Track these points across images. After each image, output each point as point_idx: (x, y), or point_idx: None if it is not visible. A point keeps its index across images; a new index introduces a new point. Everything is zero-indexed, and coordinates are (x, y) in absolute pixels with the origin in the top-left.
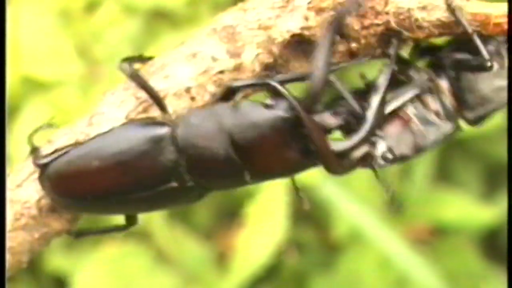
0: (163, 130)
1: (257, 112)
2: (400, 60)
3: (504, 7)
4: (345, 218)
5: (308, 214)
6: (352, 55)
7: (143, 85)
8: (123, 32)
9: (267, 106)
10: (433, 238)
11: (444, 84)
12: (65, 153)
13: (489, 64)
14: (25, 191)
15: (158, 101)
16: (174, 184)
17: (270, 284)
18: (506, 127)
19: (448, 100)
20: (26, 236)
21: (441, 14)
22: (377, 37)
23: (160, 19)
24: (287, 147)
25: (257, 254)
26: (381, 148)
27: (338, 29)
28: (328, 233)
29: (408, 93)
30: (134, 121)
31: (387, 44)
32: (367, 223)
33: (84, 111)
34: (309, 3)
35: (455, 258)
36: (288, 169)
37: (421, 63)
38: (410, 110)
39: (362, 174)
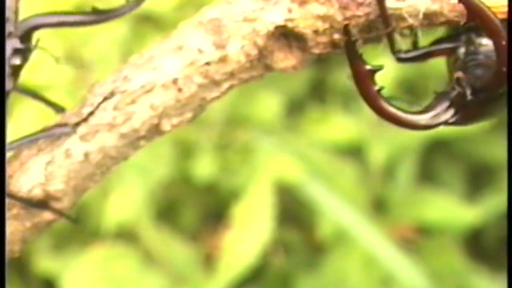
0: None
1: None
2: None
3: None
4: (330, 218)
5: (293, 214)
6: (334, 46)
7: None
8: (111, 36)
9: None
10: (418, 238)
11: None
12: None
13: None
14: (17, 181)
15: None
16: None
17: (257, 284)
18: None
19: None
20: (18, 226)
21: (422, 5)
22: (359, 28)
23: (147, 23)
24: None
25: (243, 254)
26: None
27: None
28: (314, 233)
29: None
30: None
31: (368, 34)
32: (352, 222)
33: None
34: None
35: (439, 257)
36: None
37: None
38: None
39: (347, 173)
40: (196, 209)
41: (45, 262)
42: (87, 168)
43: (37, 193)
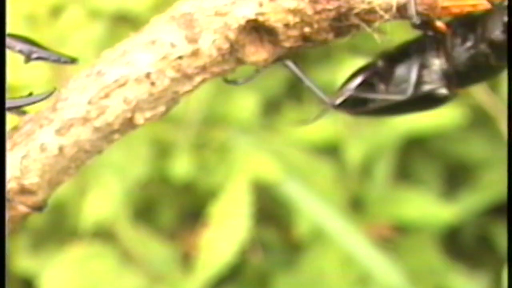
0: None
1: None
2: None
3: None
4: (307, 216)
5: (270, 213)
6: (305, 39)
7: None
8: (88, 36)
9: None
10: (395, 236)
11: None
12: None
13: None
14: None
15: None
16: None
17: (234, 283)
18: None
19: None
20: None
21: None
22: (329, 22)
23: (123, 23)
24: None
25: (221, 253)
26: None
27: None
28: (291, 231)
29: None
30: None
31: (338, 28)
32: (330, 221)
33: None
34: None
35: (417, 255)
36: None
37: None
38: None
39: (324, 172)
40: (173, 208)
41: (23, 261)
42: (61, 162)
43: (13, 186)
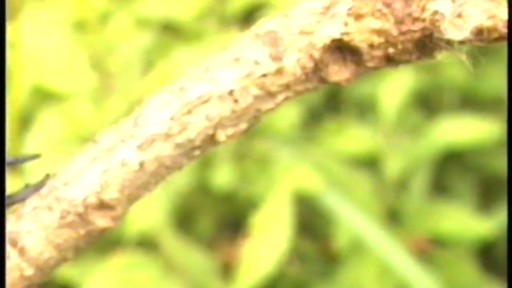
0: None
1: None
2: None
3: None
4: (346, 228)
5: (308, 223)
6: (389, 60)
7: None
8: (135, 45)
9: None
10: (432, 249)
11: None
12: None
13: None
14: (72, 189)
15: None
16: None
17: None
18: (506, 134)
19: None
20: (71, 233)
21: (476, 21)
22: (414, 43)
23: (170, 32)
24: None
25: (261, 264)
26: None
27: None
28: (330, 243)
29: None
30: None
31: (422, 49)
32: (368, 233)
33: (97, 123)
34: (348, 9)
35: (453, 269)
36: None
37: None
38: None
39: (363, 184)
40: (214, 218)
41: (65, 270)
42: (142, 177)
43: (92, 201)
